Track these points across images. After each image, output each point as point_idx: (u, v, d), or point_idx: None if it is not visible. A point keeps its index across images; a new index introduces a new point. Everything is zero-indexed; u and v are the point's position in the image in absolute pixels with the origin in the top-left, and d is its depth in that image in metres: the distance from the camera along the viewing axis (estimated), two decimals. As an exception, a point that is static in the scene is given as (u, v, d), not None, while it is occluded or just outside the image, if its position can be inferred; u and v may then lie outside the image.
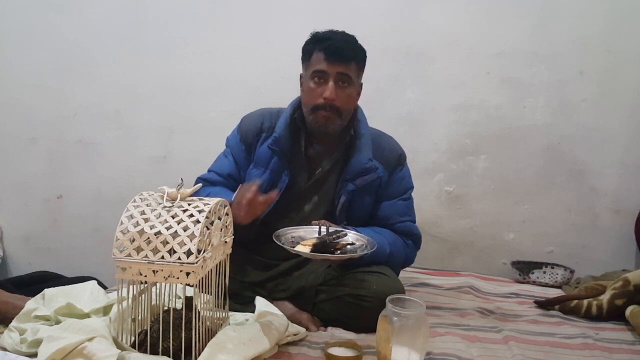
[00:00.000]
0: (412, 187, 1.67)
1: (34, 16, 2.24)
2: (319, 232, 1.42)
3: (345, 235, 1.44)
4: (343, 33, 1.52)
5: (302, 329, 1.38)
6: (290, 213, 1.57)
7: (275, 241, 1.36)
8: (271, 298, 1.47)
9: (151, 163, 2.27)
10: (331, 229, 1.43)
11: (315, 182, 1.59)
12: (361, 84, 1.57)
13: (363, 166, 1.54)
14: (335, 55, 1.46)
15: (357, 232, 1.46)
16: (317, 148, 1.59)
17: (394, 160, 1.61)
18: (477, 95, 2.15)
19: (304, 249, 1.31)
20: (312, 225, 1.46)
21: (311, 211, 1.58)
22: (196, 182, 1.51)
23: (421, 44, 2.14)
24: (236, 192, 1.44)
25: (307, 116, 1.54)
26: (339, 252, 1.36)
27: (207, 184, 1.59)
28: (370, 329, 1.35)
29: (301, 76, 1.57)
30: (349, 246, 1.40)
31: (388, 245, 1.52)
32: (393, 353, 1.16)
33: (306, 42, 1.54)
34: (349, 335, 1.41)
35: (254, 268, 1.56)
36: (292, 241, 1.40)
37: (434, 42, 2.14)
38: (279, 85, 2.15)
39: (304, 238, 1.40)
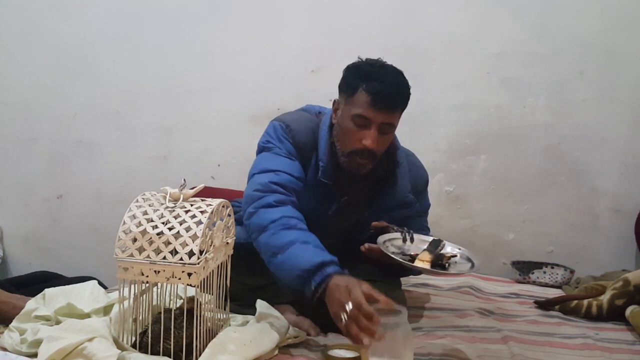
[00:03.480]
0: (430, 206, 1.65)
1: (34, 16, 2.23)
2: (404, 238, 1.39)
3: (444, 244, 1.40)
4: (393, 72, 1.38)
5: (303, 333, 1.37)
6: None
7: (394, 257, 1.27)
8: (273, 302, 1.45)
9: (151, 163, 2.27)
10: (423, 237, 1.42)
11: (338, 209, 1.50)
12: None
13: (403, 199, 1.49)
14: (384, 103, 1.33)
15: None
16: (347, 175, 1.46)
17: (421, 186, 1.59)
18: (477, 95, 2.15)
19: (423, 265, 1.29)
20: (373, 226, 1.42)
21: (328, 237, 1.39)
22: (265, 188, 1.34)
23: (421, 44, 2.14)
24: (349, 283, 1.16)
25: (340, 154, 1.42)
26: (448, 265, 1.34)
27: (282, 190, 1.35)
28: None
29: (336, 102, 1.44)
30: (452, 258, 1.37)
31: None
32: None
33: (349, 71, 1.40)
34: (349, 341, 1.40)
35: (256, 271, 1.54)
36: (399, 252, 1.35)
37: (434, 42, 2.13)
38: (279, 85, 2.16)
39: (397, 246, 1.38)
